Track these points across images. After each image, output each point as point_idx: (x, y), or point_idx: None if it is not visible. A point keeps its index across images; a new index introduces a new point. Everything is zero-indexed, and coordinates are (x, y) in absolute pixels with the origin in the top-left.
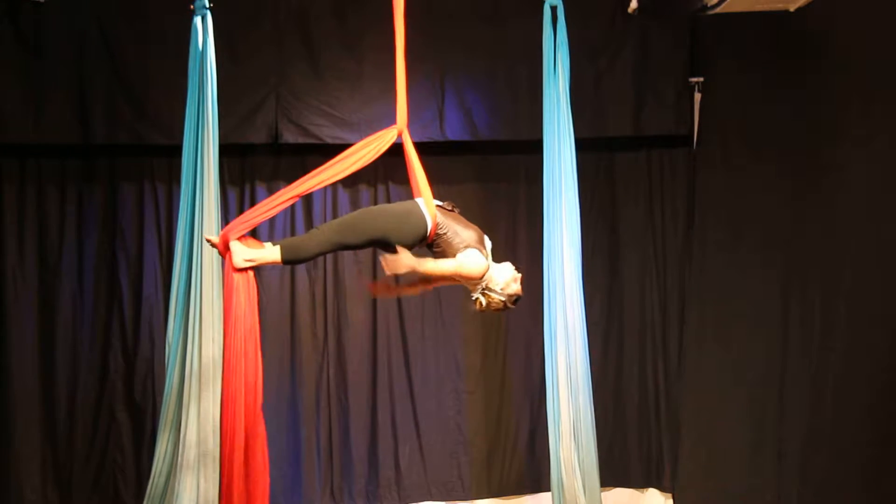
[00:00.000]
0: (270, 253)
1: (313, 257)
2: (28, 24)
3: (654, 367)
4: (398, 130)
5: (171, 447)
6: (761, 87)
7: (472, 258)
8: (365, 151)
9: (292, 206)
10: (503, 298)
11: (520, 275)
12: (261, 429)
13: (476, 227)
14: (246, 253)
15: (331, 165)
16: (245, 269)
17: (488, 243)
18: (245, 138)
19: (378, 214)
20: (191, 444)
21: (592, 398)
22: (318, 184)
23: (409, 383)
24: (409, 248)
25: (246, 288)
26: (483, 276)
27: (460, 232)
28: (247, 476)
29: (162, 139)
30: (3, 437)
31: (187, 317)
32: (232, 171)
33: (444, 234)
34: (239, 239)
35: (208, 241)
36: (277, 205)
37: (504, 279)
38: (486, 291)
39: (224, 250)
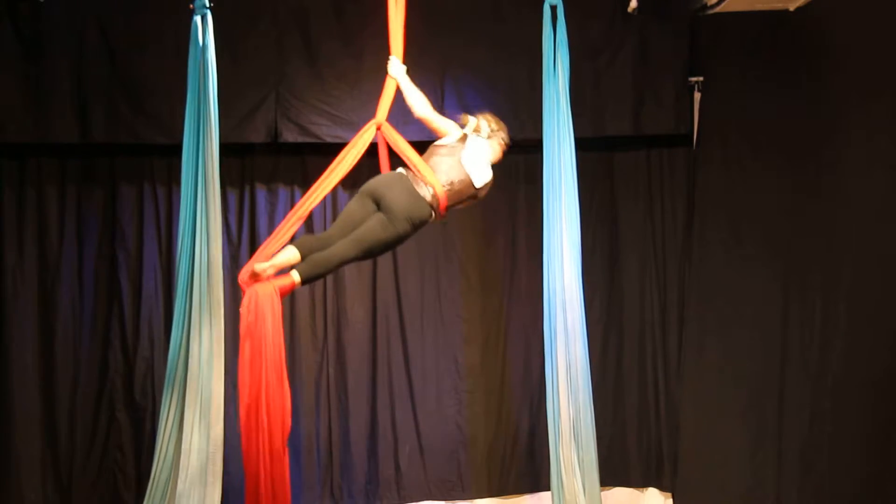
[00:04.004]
0: (292, 275)
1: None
2: (28, 24)
3: (654, 366)
4: (377, 125)
5: (171, 447)
6: (761, 87)
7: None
8: (354, 151)
9: (291, 206)
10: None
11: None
12: (285, 461)
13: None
14: (269, 264)
15: (326, 176)
16: (268, 279)
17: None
18: (244, 138)
19: (387, 227)
20: (193, 448)
21: (592, 398)
22: (320, 196)
23: (409, 383)
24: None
25: (272, 313)
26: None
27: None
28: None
29: (162, 139)
30: (3, 437)
31: (190, 316)
32: (231, 170)
33: (450, 186)
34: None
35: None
36: (287, 229)
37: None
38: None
39: (251, 281)
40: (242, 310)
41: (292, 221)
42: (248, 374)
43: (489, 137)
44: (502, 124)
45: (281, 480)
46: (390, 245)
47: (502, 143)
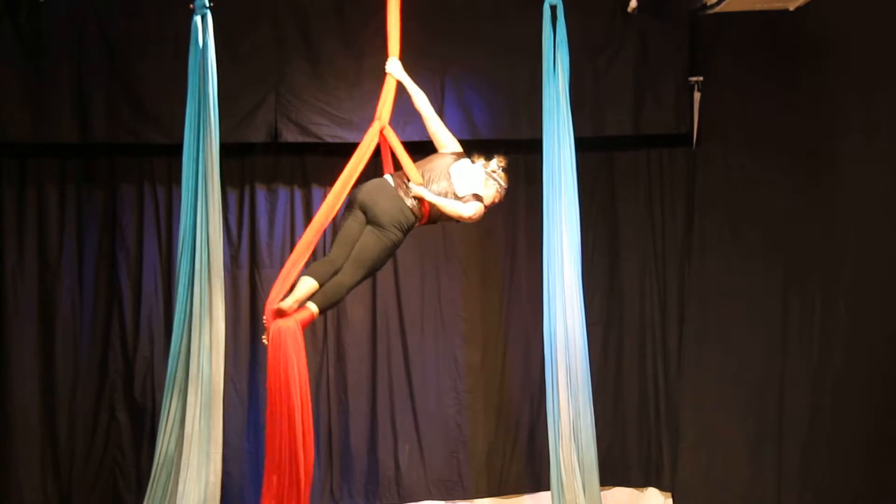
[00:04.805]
0: (309, 306)
1: None
2: (28, 23)
3: (654, 366)
4: (381, 127)
5: (171, 446)
6: (761, 87)
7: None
8: (361, 160)
9: (292, 211)
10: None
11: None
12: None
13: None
14: (293, 300)
15: (336, 190)
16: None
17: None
18: (244, 137)
19: (379, 238)
20: (193, 448)
21: (592, 398)
22: (333, 212)
23: (409, 382)
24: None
25: (296, 350)
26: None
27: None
28: None
29: (162, 139)
30: (3, 436)
31: (191, 315)
32: (231, 170)
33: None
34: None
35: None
36: (305, 249)
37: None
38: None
39: (274, 318)
40: (267, 345)
41: (307, 242)
42: (277, 410)
43: (488, 174)
44: (506, 178)
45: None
46: (389, 253)
47: (499, 189)
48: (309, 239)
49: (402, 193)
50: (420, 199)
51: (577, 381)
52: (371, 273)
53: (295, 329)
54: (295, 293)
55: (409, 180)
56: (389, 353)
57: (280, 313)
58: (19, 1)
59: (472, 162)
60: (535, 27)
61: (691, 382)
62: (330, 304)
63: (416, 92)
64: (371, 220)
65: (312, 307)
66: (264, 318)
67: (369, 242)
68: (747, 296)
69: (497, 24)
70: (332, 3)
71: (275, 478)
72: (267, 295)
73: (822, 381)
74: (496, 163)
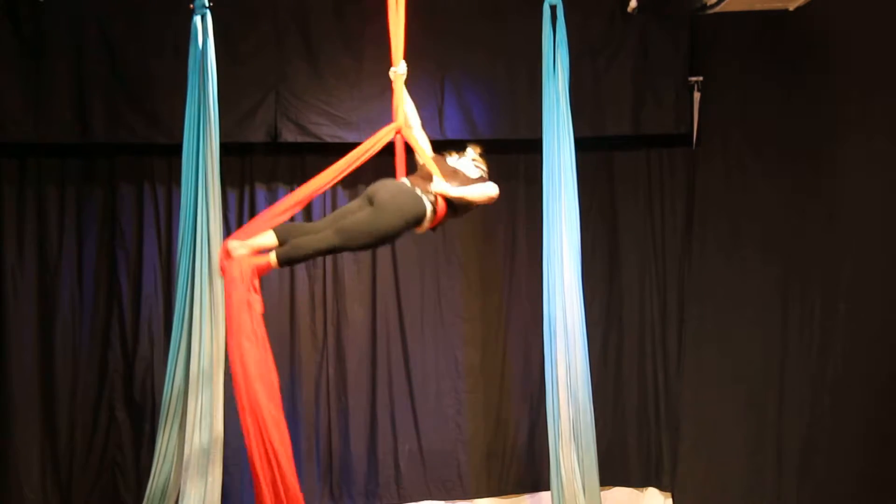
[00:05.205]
0: (270, 256)
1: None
2: (28, 23)
3: (654, 366)
4: (397, 128)
5: (170, 445)
6: (761, 87)
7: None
8: (365, 150)
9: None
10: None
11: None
12: (285, 435)
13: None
14: (242, 244)
15: (330, 174)
16: (244, 259)
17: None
18: (244, 137)
19: (374, 218)
20: (193, 448)
21: (592, 398)
22: (322, 186)
23: (409, 382)
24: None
25: (241, 277)
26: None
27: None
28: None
29: (162, 139)
30: (4, 436)
31: (190, 314)
32: (231, 170)
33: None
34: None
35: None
36: (279, 215)
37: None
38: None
39: (226, 258)
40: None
41: (285, 207)
42: (232, 343)
43: (473, 161)
44: (486, 164)
45: (283, 447)
46: (374, 236)
47: (483, 175)
48: (286, 204)
49: (419, 191)
50: (437, 197)
51: (576, 381)
52: (344, 247)
53: (241, 265)
54: (249, 240)
55: (430, 179)
56: (389, 353)
57: (227, 254)
58: (19, 1)
59: (450, 156)
60: (534, 27)
61: (691, 382)
62: (292, 260)
63: (407, 98)
64: (374, 204)
65: (272, 257)
66: (219, 260)
67: (360, 216)
68: (747, 295)
69: (497, 24)
70: (332, 3)
71: (247, 422)
72: (266, 296)
73: (821, 380)
74: (472, 151)
